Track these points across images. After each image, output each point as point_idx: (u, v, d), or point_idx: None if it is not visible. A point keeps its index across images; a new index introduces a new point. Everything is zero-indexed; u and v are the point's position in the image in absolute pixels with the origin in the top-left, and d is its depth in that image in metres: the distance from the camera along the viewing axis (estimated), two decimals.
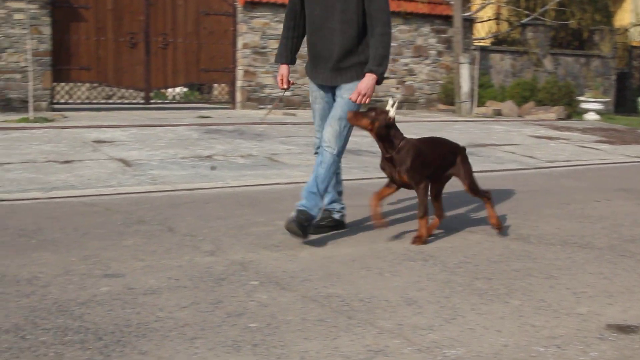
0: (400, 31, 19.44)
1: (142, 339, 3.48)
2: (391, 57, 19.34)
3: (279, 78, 5.73)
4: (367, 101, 5.36)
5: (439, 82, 19.88)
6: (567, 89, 18.99)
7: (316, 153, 5.65)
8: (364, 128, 5.32)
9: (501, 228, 5.82)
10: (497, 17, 23.25)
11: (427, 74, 19.90)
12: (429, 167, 5.49)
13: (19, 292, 4.15)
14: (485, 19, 23.01)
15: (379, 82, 5.37)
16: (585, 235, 5.94)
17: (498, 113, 18.06)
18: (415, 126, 14.61)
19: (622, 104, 24.48)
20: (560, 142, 13.47)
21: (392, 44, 17.30)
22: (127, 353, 3.31)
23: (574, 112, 18.90)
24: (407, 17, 19.38)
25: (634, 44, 26.05)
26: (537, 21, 21.64)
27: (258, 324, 3.72)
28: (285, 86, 5.70)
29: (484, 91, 18.96)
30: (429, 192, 5.56)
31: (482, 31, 22.92)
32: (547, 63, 21.94)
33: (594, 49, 23.10)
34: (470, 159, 9.57)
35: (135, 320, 3.73)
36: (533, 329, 3.76)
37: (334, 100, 5.60)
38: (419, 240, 5.42)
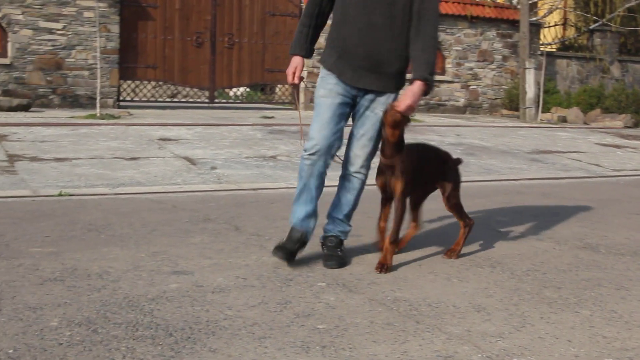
0: (465, 35, 19.35)
1: (212, 336, 3.51)
2: (456, 61, 19.35)
3: (290, 71, 4.87)
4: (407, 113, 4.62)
5: (504, 87, 19.72)
6: (635, 97, 18.68)
7: (313, 154, 4.82)
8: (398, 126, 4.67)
9: (454, 256, 5.14)
10: (565, 23, 22.99)
11: (491, 78, 19.76)
12: (418, 176, 4.91)
13: (90, 286, 4.21)
14: (552, 24, 22.77)
15: (426, 92, 4.66)
16: None
17: (563, 120, 17.84)
18: (479, 131, 14.51)
19: None
20: (628, 150, 13.26)
21: (457, 48, 17.19)
22: (198, 350, 3.34)
23: None
24: (473, 20, 19.28)
25: None
26: (605, 27, 21.34)
27: (326, 326, 3.72)
28: (296, 81, 4.91)
29: (549, 97, 18.76)
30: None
31: (549, 36, 22.68)
32: (615, 70, 21.61)
33: None
34: (535, 166, 9.46)
35: (205, 317, 3.76)
36: (604, 340, 3.70)
37: (353, 102, 4.86)
38: (386, 268, 4.74)
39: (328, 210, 5.10)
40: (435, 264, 5.00)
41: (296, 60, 4.89)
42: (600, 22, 21.35)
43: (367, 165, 4.96)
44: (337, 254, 4.90)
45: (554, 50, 22.05)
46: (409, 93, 4.56)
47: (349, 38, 4.74)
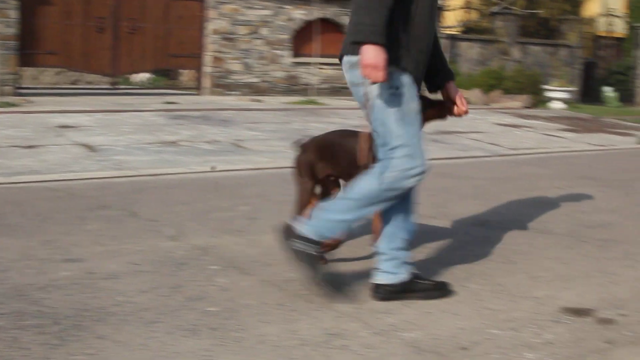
0: None
1: (100, 323, 3.48)
2: None
3: (378, 63, 3.58)
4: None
5: None
6: (534, 78, 19.12)
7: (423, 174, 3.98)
8: None
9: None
10: (467, 6, 23.32)
11: None
12: None
13: None
14: (454, 8, 23.06)
15: None
16: (545, 221, 6.01)
17: (466, 101, 18.13)
18: None
19: (588, 94, 24.66)
20: (526, 130, 13.57)
21: None
22: (84, 337, 3.31)
23: (540, 100, 19.03)
24: None
25: (601, 34, 26.27)
26: (507, 10, 21.73)
27: (217, 308, 3.73)
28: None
29: None
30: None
31: (452, 20, 22.97)
32: (515, 52, 22.05)
33: (561, 38, 23.24)
34: (436, 146, 9.69)
35: (94, 304, 3.72)
36: (490, 312, 3.81)
37: None
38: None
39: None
40: None
41: (382, 51, 3.62)
42: (501, 6, 21.73)
43: None
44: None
45: (457, 33, 22.35)
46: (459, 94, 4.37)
47: (424, 44, 3.91)
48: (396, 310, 3.78)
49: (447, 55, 18.71)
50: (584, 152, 11.41)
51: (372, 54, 3.56)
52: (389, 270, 3.94)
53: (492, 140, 11.82)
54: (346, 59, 3.90)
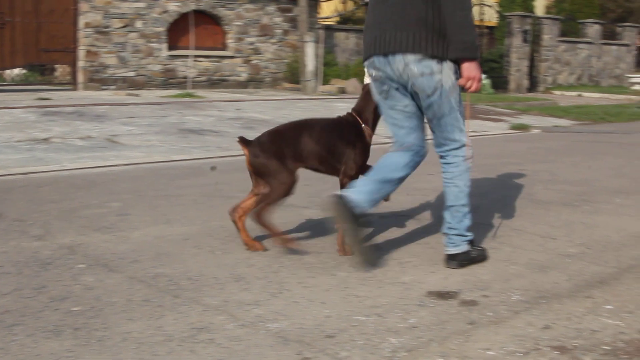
0: (246, 10, 19.43)
1: None
2: (237, 36, 19.32)
3: (479, 75, 4.21)
4: None
5: (285, 60, 19.98)
6: None
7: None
8: None
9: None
10: None
11: (273, 52, 19.97)
12: None
13: None
14: None
15: None
16: (415, 207, 6.13)
17: (342, 91, 18.31)
18: (259, 105, 14.65)
19: None
20: None
21: (238, 23, 17.24)
22: None
23: None
24: None
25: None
26: None
27: (81, 308, 3.65)
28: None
29: (329, 69, 19.19)
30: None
31: (328, 10, 23.15)
32: None
33: None
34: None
35: None
36: (357, 299, 3.84)
37: None
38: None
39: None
40: (201, 238, 5.02)
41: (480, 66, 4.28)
42: None
43: None
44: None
45: (333, 23, 22.53)
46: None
47: None
48: (264, 301, 3.78)
49: (323, 46, 18.89)
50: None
51: (475, 68, 4.17)
52: (457, 243, 4.47)
53: None
54: (414, 57, 4.22)
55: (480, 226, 5.52)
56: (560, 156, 9.53)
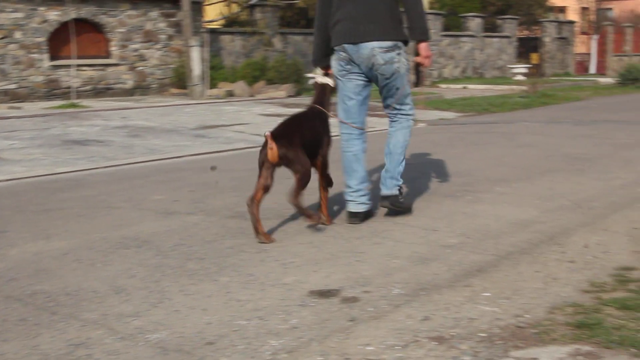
0: (129, 16, 19.18)
1: None
2: (121, 43, 19.00)
3: (430, 53, 5.67)
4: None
5: (171, 66, 19.80)
6: (295, 67, 19.51)
7: None
8: None
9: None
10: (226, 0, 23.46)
11: (158, 58, 19.76)
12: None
13: None
14: (214, 2, 23.12)
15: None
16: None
17: (230, 94, 18.25)
18: (145, 112, 14.48)
19: None
20: None
21: (121, 30, 17.13)
22: None
23: (303, 88, 19.44)
24: (135, 1, 19.10)
25: None
26: (265, 2, 22.01)
27: None
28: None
29: (216, 73, 19.10)
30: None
31: (212, 13, 23.01)
32: (277, 42, 22.40)
33: None
34: (200, 141, 9.72)
35: None
36: (238, 304, 3.82)
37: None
38: None
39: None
40: (81, 251, 4.91)
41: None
42: None
43: None
44: None
45: (218, 27, 22.42)
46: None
47: None
48: (144, 312, 3.73)
49: (209, 50, 18.79)
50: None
51: (428, 48, 5.53)
52: (389, 186, 5.62)
53: (255, 131, 11.94)
54: (378, 43, 5.38)
55: (362, 223, 5.57)
56: (445, 148, 9.70)
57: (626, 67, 29.05)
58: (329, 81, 5.63)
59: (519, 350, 3.22)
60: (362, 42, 5.38)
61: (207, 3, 21.93)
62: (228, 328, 3.49)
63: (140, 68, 19.43)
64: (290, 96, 18.15)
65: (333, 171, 5.77)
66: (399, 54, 5.44)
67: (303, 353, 3.20)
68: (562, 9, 44.67)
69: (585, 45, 39.62)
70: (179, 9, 19.23)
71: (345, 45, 5.43)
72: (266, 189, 5.19)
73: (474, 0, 32.20)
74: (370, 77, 5.56)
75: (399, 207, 5.65)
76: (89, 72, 18.53)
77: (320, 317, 3.62)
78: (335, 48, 5.53)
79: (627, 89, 25.49)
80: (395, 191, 5.60)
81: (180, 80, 19.19)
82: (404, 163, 5.65)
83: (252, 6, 22.20)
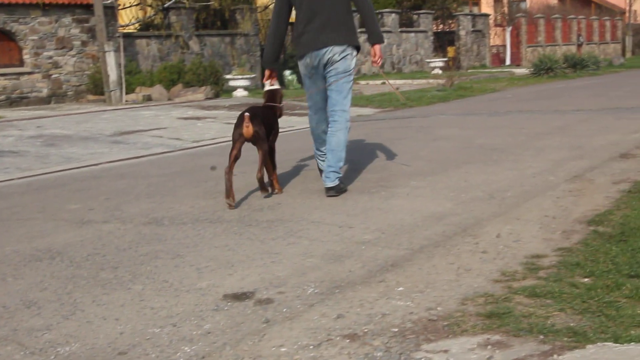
0: (40, 23, 18.83)
1: None
2: (34, 51, 18.58)
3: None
4: None
5: (87, 72, 19.50)
6: (213, 69, 19.40)
7: None
8: None
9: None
10: (140, 3, 23.17)
11: (73, 65, 19.45)
12: None
13: None
14: (128, 5, 22.85)
15: None
16: (217, 210, 6.11)
17: (148, 98, 18.07)
18: (61, 120, 14.25)
19: None
20: (208, 121, 13.75)
21: (33, 38, 16.90)
22: None
23: (221, 90, 19.36)
24: (46, 7, 18.76)
25: None
26: (179, 4, 21.84)
27: None
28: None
29: (133, 78, 18.88)
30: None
31: (127, 17, 22.75)
32: (194, 45, 22.25)
33: (237, 28, 23.75)
34: (117, 148, 9.64)
35: None
36: (152, 311, 3.79)
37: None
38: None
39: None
40: None
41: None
42: (173, 0, 21.79)
43: None
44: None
45: (133, 31, 22.17)
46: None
47: None
48: (56, 325, 3.66)
49: (124, 54, 18.58)
50: None
51: (381, 49, 6.82)
52: (332, 178, 6.57)
53: (174, 135, 11.85)
54: (339, 48, 6.62)
55: (277, 223, 5.58)
56: (361, 144, 9.76)
57: (539, 57, 29.67)
58: (278, 86, 6.98)
59: (430, 343, 3.26)
60: (324, 47, 6.60)
61: (120, 7, 21.67)
62: (141, 337, 3.46)
63: (55, 75, 19.10)
64: (208, 98, 18.05)
65: None
66: (351, 54, 6.70)
67: (216, 358, 3.19)
68: (476, 3, 45.32)
69: (500, 38, 40.25)
70: (92, 14, 18.95)
71: (312, 52, 6.63)
72: (237, 159, 6.32)
73: None
74: (325, 76, 6.74)
75: (343, 192, 6.62)
76: (2, 82, 18.14)
77: (234, 320, 3.62)
78: (303, 55, 6.72)
79: (541, 79, 26.02)
80: (337, 182, 6.55)
81: (96, 87, 18.92)
82: (344, 159, 6.69)
83: (167, 9, 22.00)
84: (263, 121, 6.43)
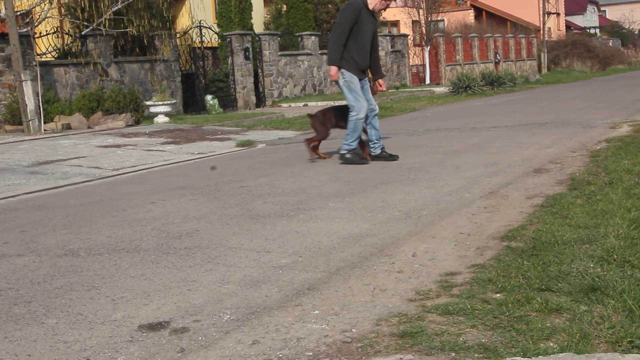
0: None
1: None
2: None
3: (332, 72, 9.86)
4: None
5: (3, 102, 19.15)
6: (133, 96, 19.21)
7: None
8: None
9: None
10: (58, 31, 22.86)
11: None
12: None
13: None
14: (44, 34, 22.53)
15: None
16: (134, 239, 6.05)
17: (68, 127, 17.84)
18: None
19: (191, 104, 25.35)
20: (128, 148, 13.63)
21: None
22: None
23: (142, 117, 19.21)
24: None
25: (196, 46, 27.08)
26: (97, 31, 21.63)
27: None
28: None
29: (51, 107, 18.62)
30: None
31: (44, 46, 22.43)
32: (113, 72, 22.05)
33: (156, 54, 23.62)
34: (35, 178, 9.53)
35: None
36: (65, 345, 3.74)
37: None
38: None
39: (373, 136, 10.08)
40: None
41: (336, 68, 9.81)
42: (91, 27, 21.57)
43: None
44: (388, 154, 10.11)
45: (51, 59, 21.87)
46: (381, 81, 10.37)
47: (361, 57, 9.96)
48: None
49: (42, 83, 18.33)
50: (184, 162, 11.70)
51: (333, 70, 9.83)
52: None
53: (93, 164, 11.72)
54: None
55: (195, 250, 5.55)
56: (281, 168, 9.80)
57: (458, 76, 30.17)
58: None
59: None
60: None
61: (37, 36, 21.35)
62: None
63: None
64: (129, 125, 17.88)
65: None
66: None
67: None
68: (395, 23, 45.91)
69: (419, 57, 40.82)
70: (8, 43, 18.65)
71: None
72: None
73: (309, 19, 32.67)
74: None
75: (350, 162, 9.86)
76: None
77: (149, 351, 3.59)
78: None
79: (460, 97, 26.48)
80: (348, 154, 9.90)
81: (14, 117, 18.58)
82: (358, 140, 10.00)
83: (84, 36, 21.76)
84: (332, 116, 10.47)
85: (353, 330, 3.70)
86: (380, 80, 10.23)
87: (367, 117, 9.85)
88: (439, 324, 3.67)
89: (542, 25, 52.23)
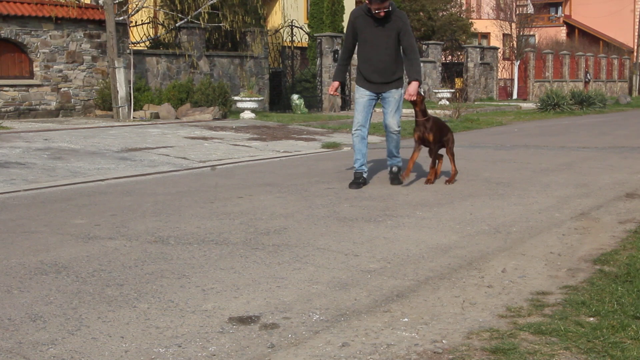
0: (52, 37, 18.92)
1: None
2: (44, 63, 18.65)
3: (332, 88, 9.11)
4: (414, 98, 8.52)
5: (96, 87, 19.58)
6: (222, 90, 19.45)
7: (357, 130, 8.89)
8: (417, 103, 8.58)
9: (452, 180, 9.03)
10: (152, 21, 23.29)
11: (82, 79, 19.53)
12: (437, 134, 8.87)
13: None
14: (140, 23, 22.96)
15: (420, 85, 8.65)
16: (223, 232, 6.11)
17: (156, 116, 18.13)
18: (69, 134, 14.28)
19: (277, 102, 25.54)
20: (214, 141, 13.78)
21: (44, 51, 17.14)
22: None
23: (229, 111, 19.42)
24: (59, 22, 18.86)
25: (286, 45, 27.27)
26: (192, 24, 21.95)
27: None
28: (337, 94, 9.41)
29: (141, 95, 18.95)
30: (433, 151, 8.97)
31: (138, 35, 22.86)
32: (203, 65, 22.34)
33: (247, 50, 23.86)
34: (123, 164, 9.69)
35: None
36: (157, 331, 3.79)
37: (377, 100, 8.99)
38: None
39: (386, 154, 9.20)
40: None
41: (336, 83, 9.10)
42: (186, 20, 21.91)
43: (399, 125, 9.04)
44: (398, 177, 8.90)
45: (144, 48, 22.27)
46: (410, 87, 8.56)
47: (369, 69, 8.91)
48: (61, 340, 3.67)
49: (134, 71, 18.68)
50: (270, 159, 11.77)
51: (333, 85, 9.16)
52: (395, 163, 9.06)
53: (180, 154, 11.88)
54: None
55: (283, 247, 5.58)
56: (373, 171, 9.79)
57: (546, 92, 29.76)
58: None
59: None
60: None
61: (132, 25, 21.78)
62: (146, 356, 3.46)
63: (64, 89, 19.17)
64: (215, 119, 18.10)
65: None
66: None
67: None
68: (485, 35, 45.53)
69: (508, 71, 40.42)
70: (104, 30, 19.06)
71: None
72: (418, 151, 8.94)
73: None
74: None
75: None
76: (11, 93, 18.21)
77: (240, 344, 3.62)
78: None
79: (548, 114, 26.10)
80: (399, 166, 9.07)
81: (104, 102, 19.00)
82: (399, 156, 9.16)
83: (179, 28, 22.11)
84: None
85: (443, 341, 3.67)
86: (409, 88, 8.48)
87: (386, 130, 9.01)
88: (531, 343, 3.61)
89: (635, 47, 51.20)
